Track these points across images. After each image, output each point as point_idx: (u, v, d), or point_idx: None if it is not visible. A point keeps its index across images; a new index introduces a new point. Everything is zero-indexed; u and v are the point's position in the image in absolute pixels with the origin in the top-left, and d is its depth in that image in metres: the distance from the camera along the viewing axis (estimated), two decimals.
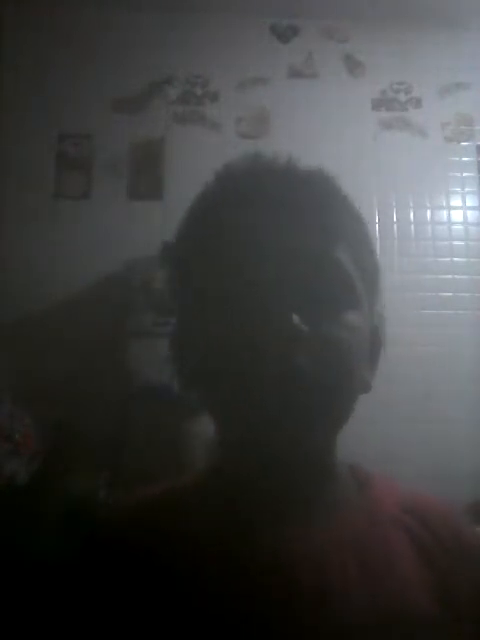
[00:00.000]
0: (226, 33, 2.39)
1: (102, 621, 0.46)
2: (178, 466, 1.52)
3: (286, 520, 0.48)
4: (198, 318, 0.50)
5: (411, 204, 2.37)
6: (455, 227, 2.38)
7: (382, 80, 2.45)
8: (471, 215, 2.39)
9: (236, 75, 2.38)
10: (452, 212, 2.38)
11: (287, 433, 0.45)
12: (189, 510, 0.50)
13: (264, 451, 0.47)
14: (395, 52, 2.44)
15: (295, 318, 0.44)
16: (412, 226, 2.36)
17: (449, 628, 0.47)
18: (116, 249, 2.04)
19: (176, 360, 0.54)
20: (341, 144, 2.28)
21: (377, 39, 2.44)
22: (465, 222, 2.38)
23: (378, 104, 2.44)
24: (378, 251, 0.56)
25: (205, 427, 0.55)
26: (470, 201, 2.40)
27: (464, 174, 2.42)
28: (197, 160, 1.92)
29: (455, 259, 2.34)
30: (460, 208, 2.39)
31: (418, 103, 2.46)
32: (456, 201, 2.39)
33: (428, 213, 2.37)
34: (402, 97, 2.46)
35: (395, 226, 2.34)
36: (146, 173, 2.29)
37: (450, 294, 2.28)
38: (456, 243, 2.36)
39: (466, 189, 2.40)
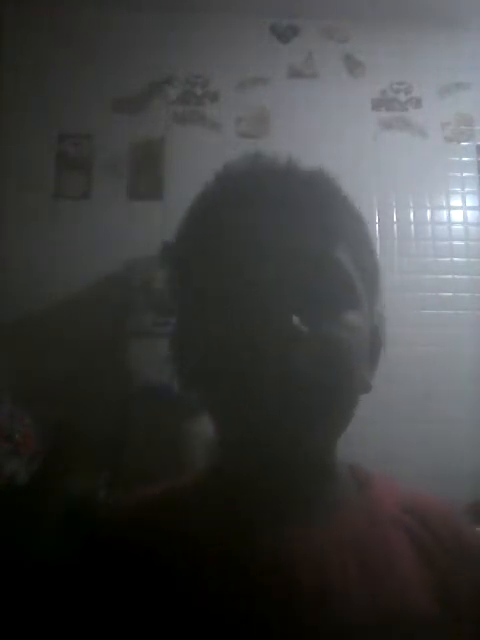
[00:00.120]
0: (226, 33, 2.39)
1: (102, 621, 0.46)
2: (178, 466, 1.52)
3: (286, 520, 0.48)
4: (198, 318, 0.50)
5: (411, 204, 2.37)
6: (455, 227, 2.38)
7: (382, 80, 2.45)
8: (471, 215, 2.39)
9: (236, 75, 2.38)
10: (452, 212, 2.38)
11: (287, 433, 0.45)
12: (189, 510, 0.50)
13: (264, 451, 0.47)
14: (395, 52, 2.44)
15: (295, 318, 0.44)
16: (412, 226, 2.36)
17: (449, 628, 0.47)
18: (116, 249, 2.04)
19: (176, 360, 0.54)
20: (341, 144, 2.28)
21: (377, 39, 2.44)
22: (465, 222, 2.38)
23: (378, 104, 2.44)
24: (378, 251, 0.56)
25: (205, 427, 0.55)
26: (470, 201, 2.40)
27: (464, 174, 2.42)
28: (197, 160, 1.92)
29: (455, 259, 2.34)
30: (460, 208, 2.39)
31: (418, 103, 2.46)
32: (456, 201, 2.39)
33: (428, 213, 2.37)
34: (402, 97, 2.46)
35: (395, 226, 2.34)
36: (146, 173, 2.29)
37: (450, 294, 2.29)
38: (456, 243, 2.36)
39: (466, 189, 2.40)
